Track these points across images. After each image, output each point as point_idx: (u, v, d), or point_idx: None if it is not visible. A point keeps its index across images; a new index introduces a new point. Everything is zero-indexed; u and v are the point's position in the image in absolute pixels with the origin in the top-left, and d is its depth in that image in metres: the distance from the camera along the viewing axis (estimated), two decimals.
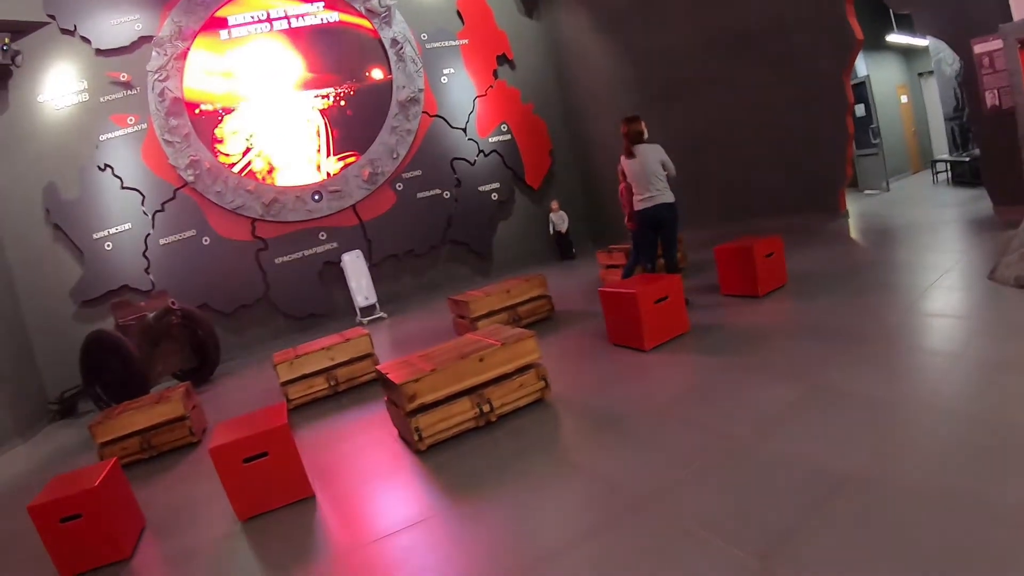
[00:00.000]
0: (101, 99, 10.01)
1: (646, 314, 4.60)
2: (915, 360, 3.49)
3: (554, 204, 11.42)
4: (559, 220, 11.25)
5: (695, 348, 4.54)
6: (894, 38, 11.78)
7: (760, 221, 8.54)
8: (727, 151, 9.17)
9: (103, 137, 9.95)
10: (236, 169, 10.22)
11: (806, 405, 3.13)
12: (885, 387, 3.13)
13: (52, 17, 9.81)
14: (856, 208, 9.17)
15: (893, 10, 7.35)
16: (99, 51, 10.01)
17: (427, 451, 3.76)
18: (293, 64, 10.66)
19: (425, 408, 3.73)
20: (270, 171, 10.43)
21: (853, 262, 6.12)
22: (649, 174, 5.40)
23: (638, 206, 5.56)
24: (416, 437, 3.68)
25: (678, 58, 9.28)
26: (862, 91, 10.70)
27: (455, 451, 3.70)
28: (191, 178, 9.99)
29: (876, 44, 11.45)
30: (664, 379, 4.14)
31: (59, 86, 9.95)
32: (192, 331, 8.73)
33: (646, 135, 5.53)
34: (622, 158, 5.60)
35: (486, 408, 3.83)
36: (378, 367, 4.27)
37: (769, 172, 8.74)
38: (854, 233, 7.70)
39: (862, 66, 11.19)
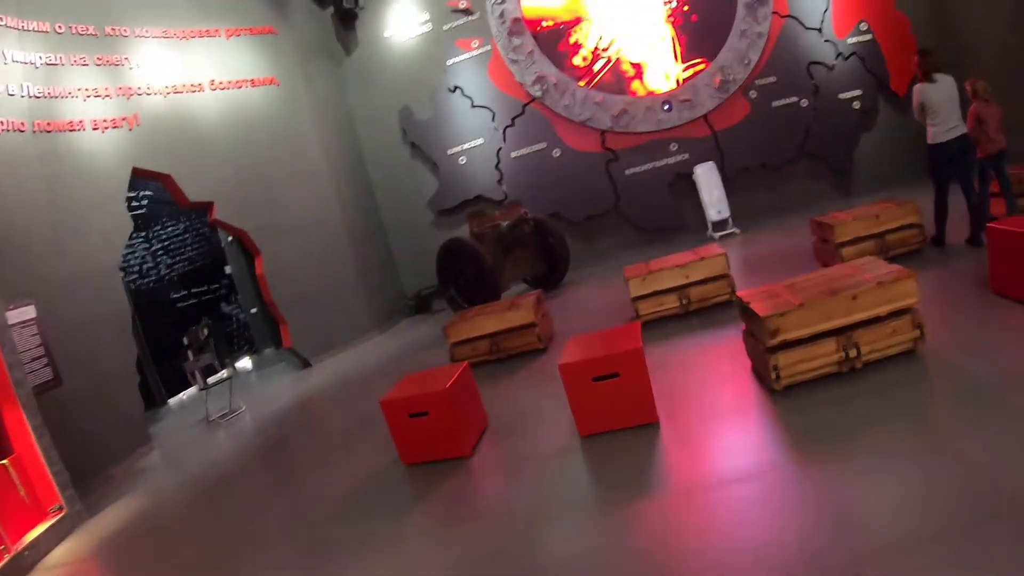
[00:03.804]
0: (444, 27, 10.37)
1: None
2: None
3: None
4: None
5: None
6: None
7: None
8: None
9: (450, 62, 10.31)
10: (584, 83, 9.92)
11: None
12: None
13: None
14: None
15: None
16: None
17: (782, 392, 3.37)
18: None
19: (787, 345, 3.36)
20: (620, 80, 9.99)
21: None
22: (954, 104, 5.23)
23: (941, 138, 5.25)
24: (774, 375, 3.35)
25: None
26: None
27: (812, 396, 3.27)
28: (539, 93, 9.91)
29: None
30: None
31: (402, 21, 10.48)
32: (543, 239, 8.71)
33: None
34: (920, 86, 5.37)
35: (852, 353, 3.34)
36: (739, 294, 3.93)
37: None
38: None
39: None
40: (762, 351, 3.44)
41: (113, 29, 7.27)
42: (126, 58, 7.35)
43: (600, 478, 3.14)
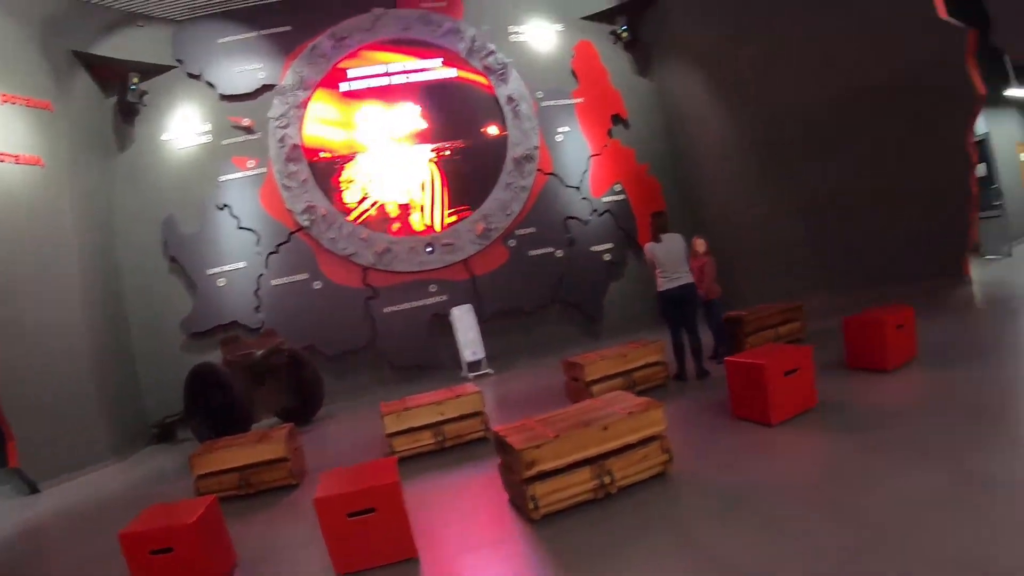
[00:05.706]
0: (223, 141, 10.21)
1: (774, 386, 4.29)
2: None
3: None
4: None
5: (825, 425, 4.23)
6: (1013, 92, 11.17)
7: (881, 287, 7.94)
8: (847, 214, 8.61)
9: (223, 178, 10.09)
10: (352, 217, 10.14)
11: (951, 492, 2.84)
12: None
13: (180, 61, 10.19)
14: (979, 274, 8.51)
15: (1012, 60, 6.95)
16: (223, 96, 10.27)
17: (541, 520, 3.53)
18: (410, 118, 10.71)
19: (543, 476, 3.53)
20: (385, 220, 10.33)
21: (984, 333, 5.82)
22: (677, 259, 6.01)
23: (667, 286, 6.03)
24: (531, 505, 3.49)
25: (795, 119, 8.89)
26: (982, 149, 10.13)
27: (570, 523, 3.45)
28: (306, 223, 9.95)
29: (995, 100, 10.82)
30: (793, 457, 3.90)
31: (183, 126, 10.20)
32: (297, 371, 8.57)
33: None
34: (649, 245, 6.19)
35: (607, 480, 3.60)
36: (496, 429, 4.08)
37: (890, 236, 8.19)
38: (980, 301, 7.22)
39: (981, 123, 10.56)
40: (519, 482, 3.55)
41: None
42: None
43: None
